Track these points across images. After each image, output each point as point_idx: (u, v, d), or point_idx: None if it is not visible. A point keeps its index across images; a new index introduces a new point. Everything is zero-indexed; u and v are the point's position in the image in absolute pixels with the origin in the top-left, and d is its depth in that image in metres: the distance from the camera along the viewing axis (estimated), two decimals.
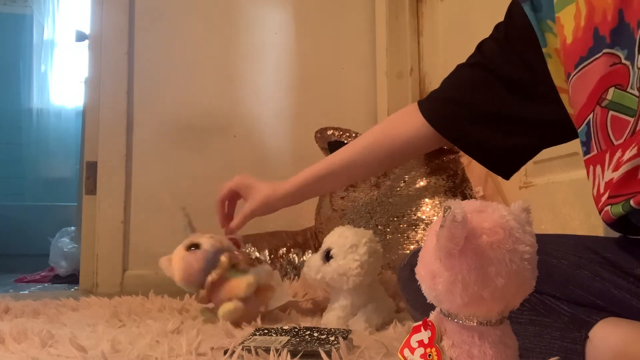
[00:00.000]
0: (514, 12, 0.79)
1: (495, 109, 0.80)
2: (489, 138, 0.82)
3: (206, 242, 1.04)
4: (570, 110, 0.72)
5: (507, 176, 0.85)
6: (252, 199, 1.08)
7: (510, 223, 0.46)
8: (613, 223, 0.63)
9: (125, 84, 1.95)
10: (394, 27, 2.10)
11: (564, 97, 0.72)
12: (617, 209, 0.60)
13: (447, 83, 0.89)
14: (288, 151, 2.06)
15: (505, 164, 0.84)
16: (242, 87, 2.07)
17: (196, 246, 1.05)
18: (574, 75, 0.66)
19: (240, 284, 1.03)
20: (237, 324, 1.00)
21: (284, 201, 1.05)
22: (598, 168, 0.66)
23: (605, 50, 0.63)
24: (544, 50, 0.72)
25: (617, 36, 0.62)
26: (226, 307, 1.01)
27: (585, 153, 0.68)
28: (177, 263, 1.04)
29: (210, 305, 1.08)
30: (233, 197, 1.15)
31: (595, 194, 0.67)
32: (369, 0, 2.16)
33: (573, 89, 0.67)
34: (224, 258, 1.03)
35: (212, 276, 1.02)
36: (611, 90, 0.62)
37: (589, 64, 0.64)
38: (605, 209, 0.62)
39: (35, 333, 0.88)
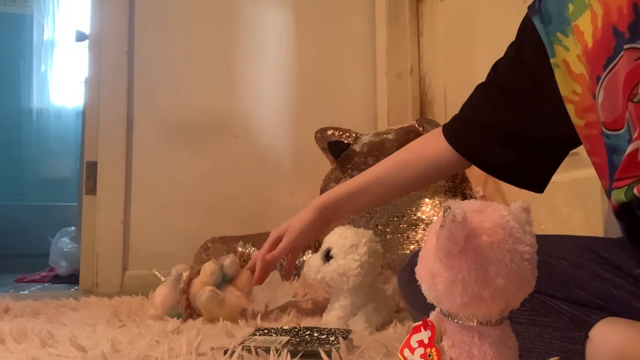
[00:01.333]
0: (525, 26, 0.80)
1: (512, 128, 0.81)
2: (509, 157, 0.82)
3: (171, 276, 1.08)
4: (576, 121, 0.71)
5: (540, 190, 0.85)
6: (286, 236, 1.08)
7: (510, 223, 0.46)
8: (618, 212, 0.62)
9: (125, 84, 1.95)
10: (394, 27, 2.10)
11: (569, 108, 0.72)
12: (619, 195, 0.60)
13: (466, 104, 0.90)
14: (288, 151, 2.06)
15: (532, 179, 0.84)
16: (242, 87, 2.07)
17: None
18: (605, 77, 0.65)
19: (205, 273, 1.06)
20: (232, 317, 1.02)
21: (316, 225, 1.05)
22: None
23: (626, 46, 0.62)
24: (551, 60, 0.72)
25: (636, 30, 0.61)
26: (200, 294, 1.03)
27: None
28: (155, 299, 1.10)
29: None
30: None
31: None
32: (369, 1, 2.16)
33: (605, 91, 0.66)
34: (185, 272, 1.07)
35: (181, 285, 1.06)
36: None
37: (617, 62, 0.63)
38: (611, 197, 0.62)
39: (35, 333, 0.88)
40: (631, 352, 0.54)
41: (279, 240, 1.08)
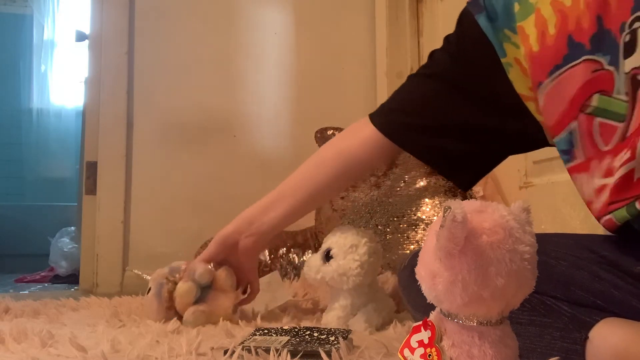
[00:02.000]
0: (465, 23, 0.78)
1: (452, 121, 0.79)
2: (445, 147, 0.80)
3: (152, 284, 1.04)
4: (539, 118, 0.71)
5: (466, 187, 0.84)
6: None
7: (510, 223, 0.46)
8: (617, 230, 0.62)
9: (125, 84, 1.95)
10: (394, 27, 2.10)
11: (530, 105, 0.71)
12: (622, 214, 0.60)
13: (399, 95, 0.87)
14: (288, 151, 2.06)
15: (464, 173, 0.83)
16: (242, 87, 2.07)
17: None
18: (548, 84, 0.65)
19: (181, 296, 1.02)
20: (227, 318, 1.01)
21: (235, 230, 1.00)
22: (583, 176, 0.65)
23: (585, 57, 0.62)
24: (503, 60, 0.71)
25: (598, 42, 0.62)
26: (186, 318, 1.00)
27: (568, 161, 0.67)
28: (148, 314, 1.06)
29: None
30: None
31: (586, 201, 0.66)
32: (369, 0, 2.16)
33: (547, 98, 0.66)
34: (166, 284, 1.03)
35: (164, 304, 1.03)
36: (596, 96, 0.62)
37: (565, 71, 0.64)
38: (607, 217, 0.62)
39: (35, 333, 0.88)
40: (631, 353, 0.54)
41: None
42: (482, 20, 0.73)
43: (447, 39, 0.82)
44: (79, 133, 2.90)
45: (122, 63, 1.96)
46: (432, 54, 0.84)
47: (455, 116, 0.79)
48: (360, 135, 0.88)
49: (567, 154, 0.67)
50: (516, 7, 0.69)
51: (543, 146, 0.77)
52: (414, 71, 2.21)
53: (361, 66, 2.15)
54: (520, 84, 0.71)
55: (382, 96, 2.10)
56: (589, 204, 0.66)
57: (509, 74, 0.71)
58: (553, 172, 1.30)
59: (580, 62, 0.63)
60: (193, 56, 2.04)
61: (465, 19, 0.77)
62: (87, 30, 2.04)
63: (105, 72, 1.95)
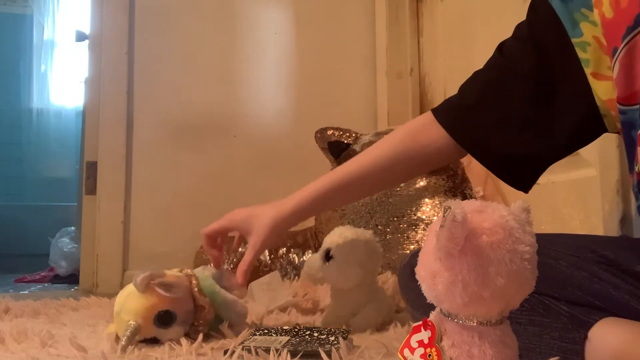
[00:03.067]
0: (537, 7, 0.74)
1: (516, 111, 0.75)
2: (506, 146, 0.76)
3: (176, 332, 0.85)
4: (604, 97, 0.67)
5: (525, 189, 0.80)
6: (257, 230, 0.91)
7: (510, 223, 0.46)
8: None
9: (125, 84, 1.95)
10: (394, 27, 2.10)
11: (606, 84, 0.67)
12: None
13: (465, 88, 0.82)
14: (288, 151, 2.06)
15: (522, 174, 0.79)
16: (242, 87, 2.07)
17: (165, 321, 0.83)
18: (622, 49, 0.62)
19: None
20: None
21: (294, 217, 0.91)
22: None
23: None
24: (578, 40, 0.67)
25: None
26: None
27: None
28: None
29: None
30: (223, 235, 1.00)
31: None
32: (369, 0, 2.16)
33: (621, 64, 0.62)
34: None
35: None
36: None
37: (637, 33, 0.60)
38: None
39: (35, 333, 0.88)
40: (630, 353, 0.54)
41: (226, 231, 0.99)
42: (555, 2, 0.70)
43: (518, 26, 0.78)
44: (79, 133, 2.90)
45: (122, 63, 1.96)
46: (501, 44, 0.79)
47: (516, 106, 0.75)
48: (430, 131, 0.82)
49: None
50: None
51: (599, 135, 0.73)
52: (414, 71, 2.21)
53: (361, 66, 2.15)
54: (599, 63, 0.67)
55: (382, 96, 2.10)
56: None
57: (587, 53, 0.67)
58: (553, 172, 1.29)
59: None
60: (193, 56, 2.04)
61: (537, 3, 0.74)
62: (87, 30, 2.04)
63: (105, 72, 1.95)
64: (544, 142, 0.75)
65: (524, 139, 0.75)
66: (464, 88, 0.82)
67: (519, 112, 0.75)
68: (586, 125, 0.71)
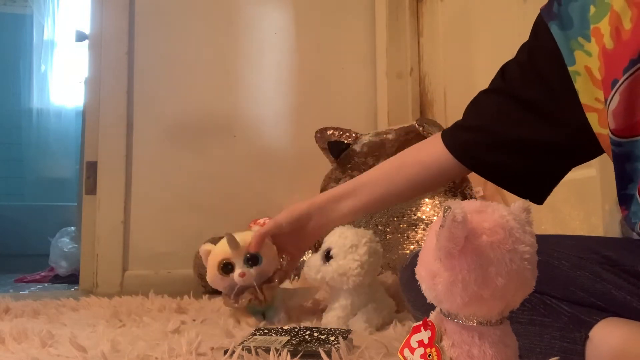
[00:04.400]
0: (538, 31, 0.75)
1: (517, 136, 0.77)
2: (510, 164, 0.78)
3: (236, 277, 1.01)
4: (599, 130, 0.68)
5: (540, 201, 0.81)
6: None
7: (510, 223, 0.46)
8: None
9: (125, 84, 1.95)
10: (394, 27, 2.10)
11: (592, 117, 0.68)
12: None
13: (468, 110, 0.86)
14: (288, 151, 2.06)
15: (533, 188, 0.80)
16: (242, 87, 2.07)
17: (228, 267, 1.03)
18: (624, 81, 0.62)
19: None
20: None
21: (308, 211, 0.99)
22: None
23: None
24: (571, 69, 0.69)
25: None
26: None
27: None
28: (209, 272, 1.06)
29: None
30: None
31: None
32: (369, 0, 2.16)
33: (623, 97, 0.62)
34: (244, 301, 1.03)
35: (225, 302, 1.06)
36: None
37: None
38: None
39: (35, 333, 0.88)
40: (631, 353, 0.54)
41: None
42: (554, 28, 0.70)
43: (521, 48, 0.80)
44: (79, 133, 2.90)
45: (122, 63, 1.96)
46: (504, 66, 0.82)
47: (517, 131, 0.77)
48: (434, 149, 0.87)
49: None
50: (592, 10, 0.66)
51: (597, 156, 0.75)
52: (414, 71, 2.21)
53: (361, 66, 2.15)
54: (587, 94, 0.68)
55: (382, 96, 2.10)
56: None
57: (576, 82, 0.69)
58: None
59: None
60: (193, 56, 2.04)
61: (539, 27, 0.75)
62: (87, 30, 2.04)
63: (105, 72, 1.95)
64: (538, 164, 0.77)
65: (523, 160, 0.77)
66: (467, 110, 0.86)
67: (516, 135, 0.77)
68: (587, 147, 0.73)
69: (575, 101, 0.69)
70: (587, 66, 0.67)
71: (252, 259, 1.02)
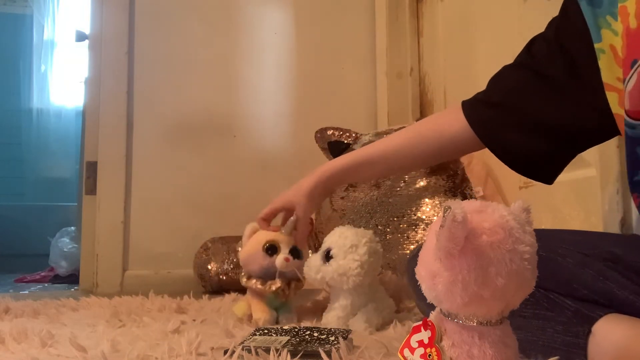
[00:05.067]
0: (568, 6, 0.74)
1: (540, 116, 0.76)
2: (529, 146, 0.78)
3: (280, 260, 1.04)
4: (618, 110, 0.67)
5: (549, 181, 0.81)
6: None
7: (510, 223, 0.46)
8: None
9: (125, 84, 1.95)
10: (394, 27, 2.10)
11: (612, 96, 0.68)
12: None
13: (492, 84, 0.85)
14: (288, 151, 2.06)
15: (545, 170, 0.80)
16: (242, 87, 2.07)
17: (272, 249, 1.05)
18: None
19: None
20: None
21: (322, 184, 1.04)
22: None
23: None
24: (597, 45, 0.68)
25: None
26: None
27: None
28: (248, 249, 1.08)
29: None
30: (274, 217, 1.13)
31: None
32: (369, 0, 2.16)
33: None
34: (273, 287, 1.04)
35: (253, 283, 1.06)
36: None
37: None
38: None
39: (35, 333, 0.88)
40: (633, 348, 0.54)
41: (276, 211, 1.10)
42: (583, 4, 0.70)
43: (550, 23, 0.79)
44: (79, 133, 2.90)
45: (122, 63, 1.96)
46: (531, 42, 0.80)
47: (539, 109, 0.76)
48: (455, 122, 0.86)
49: None
50: None
51: (613, 137, 0.75)
52: (414, 71, 2.21)
53: (361, 66, 2.15)
54: (609, 73, 0.67)
55: (382, 96, 2.10)
56: None
57: (600, 60, 0.68)
58: None
59: None
60: (193, 56, 2.04)
61: (568, 2, 0.74)
62: (87, 30, 2.03)
63: (105, 72, 1.95)
64: (554, 145, 0.76)
65: (544, 142, 0.76)
66: (491, 84, 0.84)
67: (539, 114, 0.76)
68: (607, 129, 0.72)
69: (599, 79, 0.68)
70: (612, 45, 0.66)
71: (296, 252, 1.06)
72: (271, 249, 1.05)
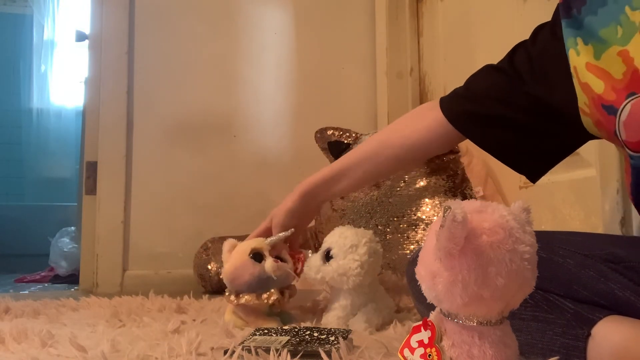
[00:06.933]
0: (553, 20, 0.75)
1: (518, 118, 0.77)
2: (510, 140, 0.79)
3: (269, 264, 1.00)
4: (597, 134, 0.68)
5: (533, 179, 0.82)
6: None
7: (510, 223, 0.46)
8: None
9: (125, 84, 1.95)
10: (394, 27, 2.10)
11: (586, 121, 0.68)
12: None
13: (472, 80, 0.85)
14: (288, 151, 2.06)
15: (529, 164, 0.81)
16: (242, 87, 2.07)
17: (258, 256, 1.01)
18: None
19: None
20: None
21: (295, 198, 1.04)
22: None
23: None
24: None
25: None
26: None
27: None
28: (234, 262, 1.02)
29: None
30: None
31: None
32: (369, 0, 2.16)
33: (635, 109, 0.60)
34: (271, 299, 1.00)
35: (247, 299, 1.00)
36: None
37: None
38: None
39: (35, 333, 0.88)
40: (633, 351, 0.54)
41: (266, 229, 1.08)
42: (564, 23, 0.69)
43: (535, 32, 0.79)
44: (79, 133, 2.90)
45: (122, 63, 1.96)
46: (515, 49, 0.81)
47: (517, 117, 0.77)
48: (426, 120, 0.87)
49: None
50: (619, 31, 0.63)
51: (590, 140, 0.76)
52: (414, 71, 2.21)
53: (361, 66, 2.15)
54: (579, 97, 0.67)
55: (382, 96, 2.10)
56: None
57: (574, 81, 0.68)
58: (553, 172, 1.29)
59: None
60: (193, 56, 2.04)
61: (554, 17, 0.74)
62: (87, 30, 2.03)
63: (105, 72, 1.95)
64: (540, 143, 0.77)
65: (522, 139, 0.78)
66: (471, 80, 0.85)
67: (516, 119, 0.77)
68: (584, 138, 0.73)
69: (575, 107, 0.68)
70: (575, 66, 0.67)
71: (280, 258, 1.03)
72: (257, 256, 1.01)
